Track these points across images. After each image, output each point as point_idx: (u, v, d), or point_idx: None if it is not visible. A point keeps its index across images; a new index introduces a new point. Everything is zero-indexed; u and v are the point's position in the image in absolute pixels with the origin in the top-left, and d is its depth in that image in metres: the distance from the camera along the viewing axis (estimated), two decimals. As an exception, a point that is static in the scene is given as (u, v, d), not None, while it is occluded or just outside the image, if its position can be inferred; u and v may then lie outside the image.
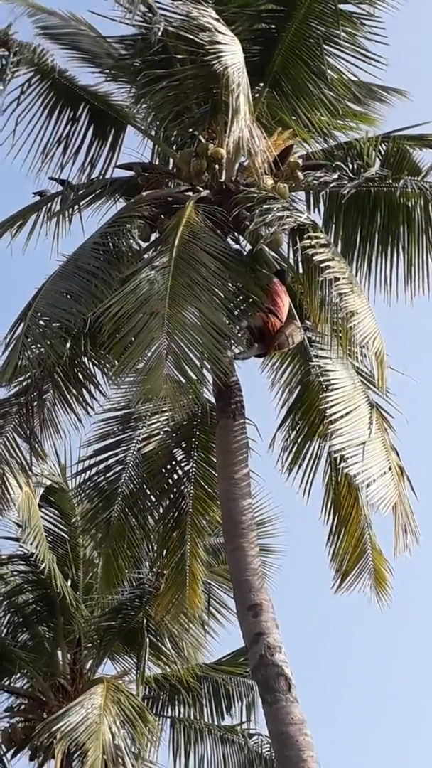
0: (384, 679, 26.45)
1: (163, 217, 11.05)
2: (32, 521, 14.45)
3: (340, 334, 10.72)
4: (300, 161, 11.25)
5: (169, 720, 15.13)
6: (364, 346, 10.67)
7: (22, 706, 15.04)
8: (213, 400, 11.12)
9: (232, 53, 10.20)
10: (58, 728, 13.35)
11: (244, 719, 15.06)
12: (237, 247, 11.03)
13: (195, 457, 12.04)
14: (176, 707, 15.23)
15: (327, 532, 11.59)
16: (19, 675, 15.17)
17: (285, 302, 10.78)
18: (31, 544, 14.52)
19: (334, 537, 11.62)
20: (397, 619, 26.37)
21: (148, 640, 14.57)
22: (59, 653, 15.16)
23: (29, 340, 10.26)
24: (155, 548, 12.46)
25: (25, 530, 14.56)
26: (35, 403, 11.10)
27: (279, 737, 9.49)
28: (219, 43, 10.16)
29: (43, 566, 14.49)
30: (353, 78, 11.47)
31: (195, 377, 9.52)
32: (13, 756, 14.83)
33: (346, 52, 11.29)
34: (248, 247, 10.99)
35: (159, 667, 15.03)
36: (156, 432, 12.00)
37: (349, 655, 26.51)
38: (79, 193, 11.57)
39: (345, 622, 26.88)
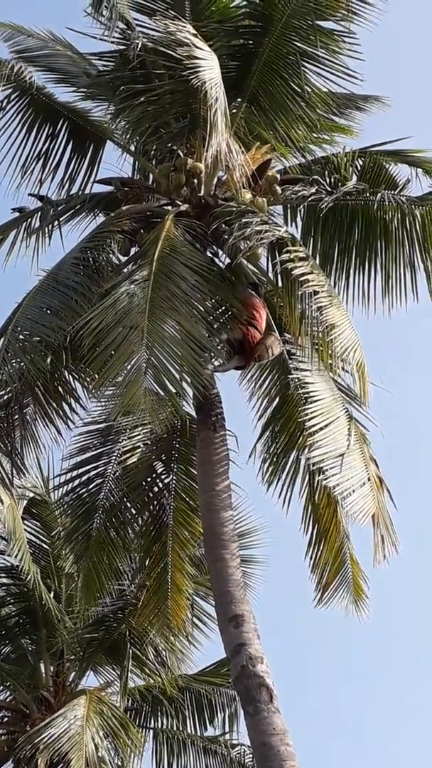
0: (367, 688, 26.51)
1: (142, 231, 11.11)
2: (16, 534, 14.46)
3: (320, 347, 10.78)
4: (278, 176, 11.34)
5: (152, 731, 15.15)
6: (344, 359, 10.73)
7: (5, 719, 15.04)
8: (193, 412, 11.17)
9: (209, 68, 10.26)
10: (41, 740, 13.36)
11: (226, 730, 15.09)
12: (216, 260, 11.09)
13: (175, 470, 12.09)
14: (159, 718, 15.24)
15: (306, 544, 11.66)
16: (1, 688, 15.17)
17: (263, 314, 10.85)
18: (15, 556, 14.52)
19: (314, 548, 11.68)
20: (378, 630, 26.44)
21: (130, 651, 14.59)
22: (42, 665, 15.16)
23: (9, 354, 10.30)
24: (137, 560, 12.49)
25: (9, 543, 14.56)
26: (16, 417, 11.12)
27: (261, 747, 9.51)
28: (196, 58, 10.23)
29: (27, 578, 14.50)
30: (331, 90, 11.55)
31: (174, 390, 9.56)
32: (-3, 768, 14.83)
33: (323, 68, 11.36)
34: (227, 260, 11.05)
35: (142, 678, 15.05)
36: (136, 445, 12.04)
37: (332, 664, 26.57)
38: (59, 208, 11.62)
39: (328, 631, 26.96)
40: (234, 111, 11.19)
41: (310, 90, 11.39)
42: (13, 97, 11.60)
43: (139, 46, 10.61)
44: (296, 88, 11.35)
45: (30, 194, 11.72)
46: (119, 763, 14.19)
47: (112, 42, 11.05)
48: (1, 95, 11.54)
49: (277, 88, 11.39)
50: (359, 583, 11.71)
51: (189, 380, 9.85)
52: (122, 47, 10.96)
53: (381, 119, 12.15)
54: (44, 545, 15.60)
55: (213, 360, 10.63)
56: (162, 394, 9.42)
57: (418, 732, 25.32)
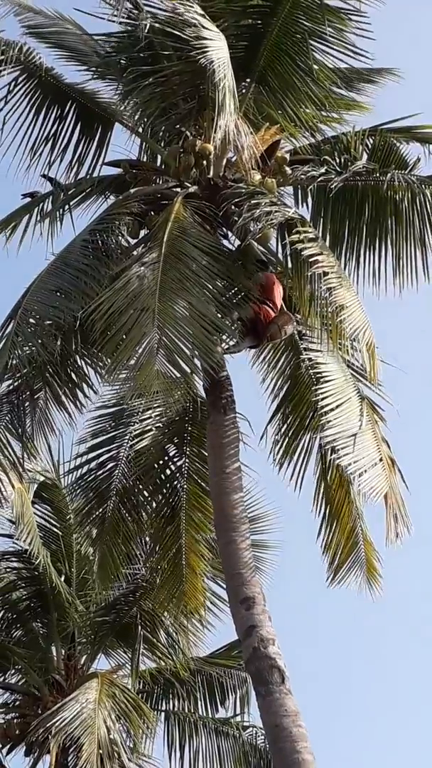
0: (380, 670, 26.57)
1: (151, 213, 11.08)
2: (25, 518, 14.47)
3: (330, 328, 10.75)
4: (287, 156, 11.30)
5: (163, 714, 15.18)
6: (354, 339, 10.71)
7: (17, 702, 15.08)
8: (204, 395, 11.15)
9: (217, 48, 10.22)
10: (53, 723, 13.39)
11: (238, 712, 15.12)
12: (226, 242, 11.06)
13: (188, 453, 12.08)
14: (170, 701, 15.27)
15: (319, 525, 11.67)
16: (13, 671, 15.20)
17: (278, 293, 10.82)
18: (24, 540, 14.54)
19: (326, 529, 11.69)
20: (393, 612, 26.48)
21: (141, 634, 14.61)
22: (53, 649, 15.19)
23: (20, 338, 10.28)
24: (149, 543, 12.51)
25: (18, 527, 14.58)
26: (27, 401, 11.11)
27: (273, 729, 9.53)
28: (204, 38, 10.19)
29: (37, 562, 14.52)
30: (341, 66, 11.50)
31: (188, 369, 9.55)
32: (9, 752, 14.87)
33: (332, 46, 11.30)
34: (237, 242, 11.02)
35: (153, 661, 15.08)
36: (148, 428, 12.04)
37: (344, 646, 26.61)
38: (69, 192, 11.59)
39: (340, 614, 27.00)
40: (242, 91, 11.15)
41: (318, 68, 11.33)
42: (21, 79, 11.56)
43: (147, 26, 10.57)
44: (305, 67, 11.30)
45: (42, 175, 11.69)
46: (131, 746, 14.22)
47: (120, 23, 11.02)
48: (10, 78, 11.53)
49: (285, 68, 11.34)
50: (372, 562, 11.71)
51: (200, 361, 9.83)
52: (130, 28, 10.92)
53: (391, 98, 12.10)
54: (55, 529, 15.61)
55: (226, 340, 10.60)
56: (175, 374, 9.40)
57: (429, 715, 25.39)
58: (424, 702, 25.40)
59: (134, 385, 9.70)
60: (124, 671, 14.89)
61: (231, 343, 10.74)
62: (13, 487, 13.48)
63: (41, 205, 11.66)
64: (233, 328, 10.56)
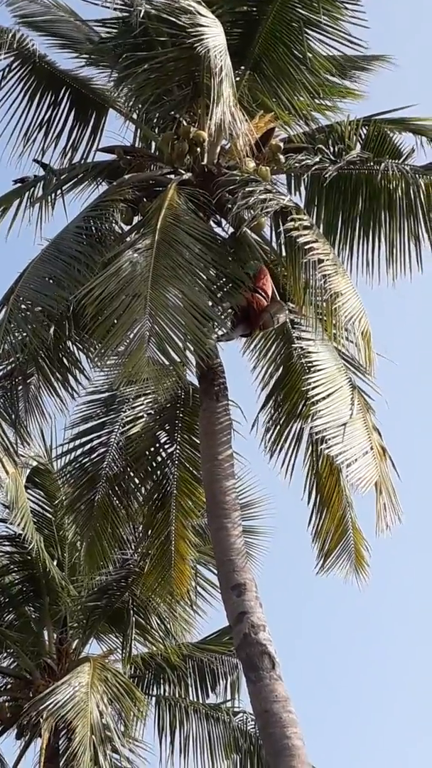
0: (369, 656, 26.69)
1: (145, 200, 11.07)
2: (19, 502, 14.50)
3: (324, 317, 10.75)
4: (281, 144, 11.28)
5: (154, 699, 15.24)
6: (348, 329, 10.72)
7: (9, 686, 15.13)
8: (196, 382, 11.17)
9: (214, 35, 10.20)
10: (46, 706, 13.44)
11: (228, 697, 15.18)
12: (219, 230, 11.07)
13: (179, 439, 12.10)
14: (162, 686, 15.32)
15: (309, 513, 11.70)
16: (5, 655, 15.25)
17: (270, 282, 10.83)
18: (18, 525, 14.57)
19: (316, 517, 11.72)
20: (381, 598, 26.59)
21: (133, 619, 14.66)
22: (45, 633, 15.23)
23: (12, 325, 10.29)
24: (140, 529, 12.54)
25: (11, 511, 14.61)
26: (20, 387, 11.12)
27: (263, 715, 9.58)
28: (201, 25, 10.17)
29: (30, 547, 14.55)
30: (334, 55, 11.48)
31: (178, 359, 9.56)
32: (0, 735, 14.93)
33: (327, 35, 11.29)
34: (230, 230, 11.02)
35: (145, 646, 15.13)
36: (140, 414, 12.05)
37: (333, 633, 26.72)
38: (62, 177, 11.58)
39: (330, 600, 27.10)
40: (237, 79, 11.10)
41: (312, 56, 11.32)
42: (15, 65, 11.55)
43: (142, 12, 10.53)
44: (299, 55, 11.28)
45: (34, 160, 11.68)
46: (123, 730, 14.27)
47: (114, 9, 11.01)
48: (3, 63, 11.53)
49: (280, 56, 11.32)
50: (361, 551, 11.75)
51: (192, 349, 9.84)
52: (125, 14, 10.89)
53: (387, 85, 12.10)
54: (47, 514, 15.64)
55: (217, 329, 10.61)
56: (165, 362, 9.41)
57: (414, 701, 25.53)
58: (414, 688, 25.55)
59: (124, 371, 9.69)
60: (115, 656, 14.95)
61: (222, 331, 10.73)
62: (6, 472, 13.51)
63: (33, 189, 11.65)
64: (225, 316, 10.57)
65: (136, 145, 11.72)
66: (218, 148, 11.03)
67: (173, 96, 11.09)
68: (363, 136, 11.38)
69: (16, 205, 11.63)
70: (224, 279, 10.65)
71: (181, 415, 12.03)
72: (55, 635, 15.21)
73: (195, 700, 15.22)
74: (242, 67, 11.32)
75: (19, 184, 11.67)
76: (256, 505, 14.10)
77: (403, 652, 25.80)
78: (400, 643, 26.24)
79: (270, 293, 10.75)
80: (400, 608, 26.57)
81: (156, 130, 11.52)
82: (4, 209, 11.62)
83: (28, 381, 11.17)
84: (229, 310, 10.65)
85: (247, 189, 10.38)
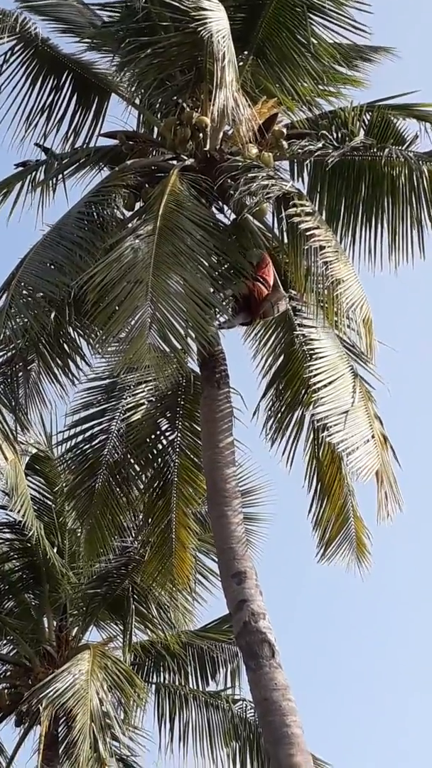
0: (371, 643, 26.72)
1: (147, 185, 11.02)
2: (19, 489, 14.47)
3: (326, 304, 10.71)
4: (284, 130, 11.23)
5: (154, 686, 15.23)
6: (349, 317, 10.67)
7: (8, 673, 15.12)
8: (197, 369, 11.13)
9: (217, 20, 10.15)
10: (45, 694, 13.44)
11: (228, 685, 15.17)
12: (221, 216, 11.02)
13: (180, 427, 12.07)
14: (161, 674, 15.31)
15: (310, 501, 11.67)
16: (5, 642, 15.24)
17: (272, 270, 10.78)
18: (18, 512, 14.55)
19: (317, 505, 11.69)
20: (382, 586, 26.59)
21: (133, 607, 14.64)
22: (45, 620, 15.21)
23: (13, 310, 10.24)
24: (140, 517, 12.51)
25: (11, 498, 14.58)
26: (20, 373, 11.08)
27: (263, 703, 9.57)
28: (204, 9, 10.11)
29: (30, 534, 14.53)
30: (338, 42, 11.41)
31: (179, 346, 9.52)
32: (-1, 722, 14.93)
33: (330, 20, 11.23)
34: (232, 216, 10.97)
35: (145, 634, 15.12)
36: (141, 402, 12.01)
37: (333, 622, 26.74)
38: (63, 162, 11.52)
39: (330, 589, 27.11)
40: (240, 64, 11.05)
41: (316, 42, 11.26)
42: (17, 48, 11.49)
43: (145, -3, 10.47)
44: (303, 40, 11.23)
45: (35, 144, 11.63)
46: (122, 717, 14.27)
47: (117, -8, 10.94)
48: (6, 47, 11.45)
49: (283, 41, 11.27)
50: (362, 539, 11.73)
51: (194, 336, 9.81)
52: (128, -2, 10.84)
53: (389, 73, 12.04)
54: (48, 501, 15.61)
55: (218, 316, 10.57)
56: (166, 349, 9.38)
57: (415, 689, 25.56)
58: (413, 677, 25.58)
59: (125, 358, 9.65)
60: (115, 644, 14.93)
61: (223, 318, 10.69)
62: (6, 458, 13.49)
63: (34, 173, 11.60)
64: (226, 304, 10.52)
65: (139, 130, 11.66)
66: (221, 134, 10.98)
67: (176, 81, 11.04)
68: (366, 122, 11.32)
69: (18, 190, 11.57)
70: (226, 265, 10.61)
71: (182, 402, 11.99)
72: (54, 622, 15.20)
73: (195, 687, 15.21)
74: (245, 53, 11.27)
75: (20, 168, 11.60)
76: (256, 492, 14.07)
77: (407, 640, 25.86)
78: (404, 630, 26.29)
79: (271, 282, 10.70)
80: (404, 594, 26.59)
81: (158, 116, 11.46)
82: (5, 193, 11.56)
83: (29, 367, 11.13)
84: (230, 298, 10.60)
85: (249, 175, 10.33)
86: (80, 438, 12.12)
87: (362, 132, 11.23)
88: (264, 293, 10.65)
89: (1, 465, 13.73)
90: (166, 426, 12.12)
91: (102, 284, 9.61)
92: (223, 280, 10.53)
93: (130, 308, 9.45)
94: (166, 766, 14.82)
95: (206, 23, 10.03)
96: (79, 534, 14.97)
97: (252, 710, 14.63)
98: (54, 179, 11.48)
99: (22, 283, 10.40)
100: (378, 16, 11.41)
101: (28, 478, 15.34)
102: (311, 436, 11.62)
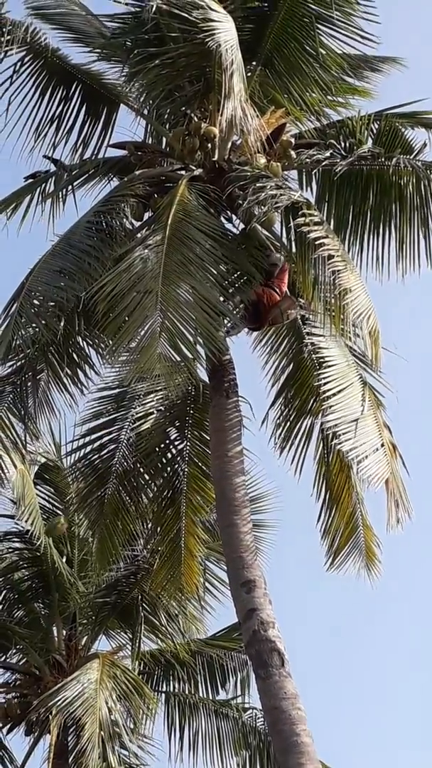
0: (381, 651, 26.68)
1: (156, 195, 11.06)
2: (27, 499, 14.50)
3: (334, 313, 10.74)
4: (292, 140, 11.26)
5: (164, 695, 15.24)
6: (357, 325, 10.70)
7: (18, 682, 15.13)
8: (206, 378, 11.15)
9: (225, 30, 10.19)
10: (55, 703, 13.45)
11: (238, 693, 15.17)
12: (230, 225, 11.05)
13: (189, 436, 12.09)
14: (171, 682, 15.32)
15: (318, 509, 11.68)
16: (14, 651, 15.26)
17: (285, 278, 10.81)
18: (26, 521, 14.58)
19: (325, 514, 11.70)
20: (391, 593, 26.58)
21: (143, 616, 14.66)
22: (54, 629, 15.24)
23: (23, 319, 10.28)
24: (150, 526, 12.53)
25: (20, 507, 14.61)
26: (30, 382, 11.11)
27: (272, 711, 9.58)
28: (212, 20, 10.15)
29: (39, 543, 14.56)
30: (346, 52, 11.46)
31: (189, 355, 9.55)
32: (9, 731, 14.94)
33: (338, 30, 11.28)
34: (241, 226, 11.00)
35: (154, 642, 15.13)
36: (150, 411, 12.04)
37: (343, 630, 26.71)
38: (73, 173, 11.57)
39: (340, 597, 27.09)
40: (248, 74, 11.10)
41: (324, 53, 11.30)
42: (26, 59, 11.52)
43: (154, 7, 10.50)
44: (311, 50, 11.27)
45: (44, 156, 11.67)
46: (131, 726, 14.28)
47: (126, 4, 11.00)
48: (15, 58, 11.49)
49: (291, 51, 11.31)
50: (372, 547, 11.74)
51: (203, 345, 9.84)
52: (137, 9, 10.88)
53: (397, 82, 12.08)
54: (57, 510, 15.64)
55: (226, 323, 10.59)
56: (176, 358, 9.41)
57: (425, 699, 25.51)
58: (423, 685, 25.53)
59: (136, 367, 9.69)
60: (124, 652, 14.95)
61: (229, 325, 10.71)
62: (15, 467, 13.53)
63: (44, 185, 11.64)
64: (235, 311, 10.56)
65: (147, 140, 11.70)
66: (229, 144, 11.02)
67: (184, 92, 11.08)
68: (374, 131, 11.35)
69: (27, 202, 11.61)
70: (235, 275, 10.64)
71: (191, 411, 12.02)
72: (64, 632, 15.22)
73: (204, 696, 15.22)
74: (254, 63, 11.31)
75: (30, 180, 11.65)
76: (263, 499, 14.08)
77: (415, 650, 25.82)
78: (411, 639, 26.26)
79: (284, 289, 10.73)
80: (410, 603, 26.57)
81: (167, 126, 11.49)
82: (16, 206, 11.60)
83: (38, 376, 11.16)
84: (240, 305, 10.62)
85: (257, 185, 10.37)
86: (90, 448, 12.14)
87: (370, 141, 11.27)
88: (275, 299, 10.68)
89: (10, 474, 13.76)
90: (176, 435, 12.15)
91: (112, 294, 9.65)
92: (232, 288, 10.56)
93: (140, 318, 9.50)
94: (176, 775, 14.84)
95: (214, 34, 10.07)
96: (87, 543, 15.01)
97: (262, 719, 14.64)
98: (64, 190, 11.52)
99: (32, 293, 10.45)
100: (386, 25, 11.47)
101: (37, 487, 15.38)
102: (320, 444, 11.65)
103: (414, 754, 24.08)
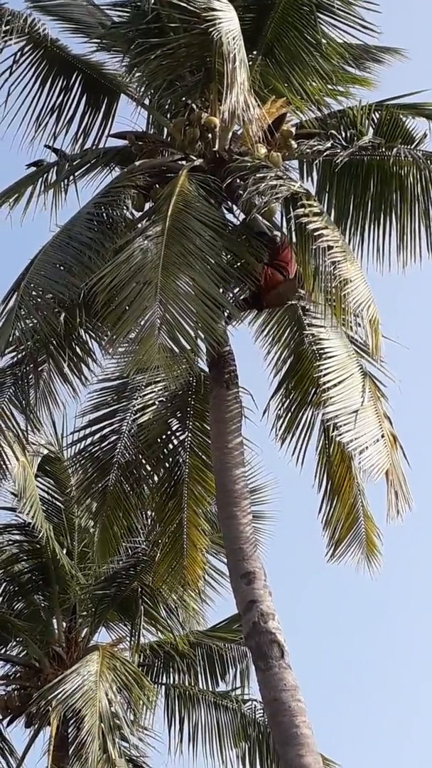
0: (380, 643, 26.70)
1: (157, 186, 11.03)
2: (28, 491, 14.50)
3: (334, 303, 10.71)
4: (293, 130, 11.22)
5: (163, 687, 15.25)
6: (357, 315, 10.67)
7: (18, 674, 15.15)
8: (207, 369, 11.13)
9: (228, 20, 10.16)
10: (55, 695, 13.46)
11: (237, 685, 15.18)
12: (230, 216, 11.02)
13: (190, 427, 12.06)
14: (171, 674, 15.34)
15: (320, 500, 11.67)
16: (14, 643, 15.27)
17: (293, 263, 10.76)
18: (27, 513, 14.58)
19: (327, 505, 11.68)
20: (391, 585, 26.59)
21: (142, 608, 14.66)
22: (55, 621, 15.25)
23: (23, 312, 10.26)
24: (151, 517, 12.52)
25: (21, 500, 14.61)
26: (31, 374, 11.09)
27: (272, 703, 9.58)
28: (214, 9, 10.12)
29: (40, 535, 14.57)
30: (347, 42, 11.42)
31: (188, 346, 9.53)
32: (9, 723, 14.96)
33: (339, 19, 11.24)
34: (242, 216, 10.97)
35: (154, 635, 15.13)
36: (151, 402, 12.01)
37: (343, 622, 26.73)
38: (74, 163, 11.54)
39: (340, 588, 27.09)
40: (249, 64, 11.04)
41: (325, 42, 11.27)
42: (26, 49, 11.47)
43: (155, -3, 10.48)
44: (311, 40, 11.23)
45: (46, 146, 11.63)
46: (131, 718, 14.29)
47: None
48: (15, 48, 11.44)
49: (292, 41, 11.26)
50: (372, 538, 11.72)
51: (203, 336, 9.81)
52: (137, -1, 10.86)
53: (398, 72, 12.04)
54: (57, 502, 15.64)
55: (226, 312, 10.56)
56: (176, 350, 9.39)
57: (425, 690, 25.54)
58: (421, 677, 25.56)
59: (135, 359, 9.67)
60: (124, 645, 14.95)
61: (227, 313, 10.66)
62: (17, 459, 13.51)
63: (45, 176, 11.62)
64: (235, 295, 10.51)
65: (148, 131, 11.67)
66: (230, 134, 10.98)
67: (185, 82, 11.04)
68: (375, 122, 11.30)
69: (29, 192, 11.58)
70: (235, 266, 10.60)
71: (192, 402, 11.99)
72: (64, 624, 15.23)
73: (204, 688, 15.23)
74: (254, 53, 11.25)
75: (33, 169, 11.62)
76: (263, 490, 14.07)
77: (417, 639, 25.85)
78: (412, 629, 26.28)
79: (292, 271, 10.66)
80: (409, 595, 26.58)
81: (168, 116, 11.45)
82: (17, 197, 11.57)
83: (40, 368, 11.14)
84: (240, 284, 10.57)
85: (258, 175, 10.35)
86: (91, 439, 12.12)
87: (371, 131, 11.24)
88: (277, 280, 10.61)
89: (11, 467, 13.74)
90: (177, 426, 12.12)
91: (111, 285, 9.63)
92: (232, 280, 10.53)
93: (139, 309, 9.47)
94: (176, 766, 14.86)
95: (216, 24, 10.03)
96: (88, 535, 15.01)
97: (261, 710, 14.64)
98: (65, 181, 11.49)
99: (32, 285, 10.42)
100: (387, 15, 11.44)
101: (38, 479, 15.38)
102: (321, 435, 11.63)
103: (417, 745, 24.14)
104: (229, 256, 10.47)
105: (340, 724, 24.03)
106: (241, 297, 10.65)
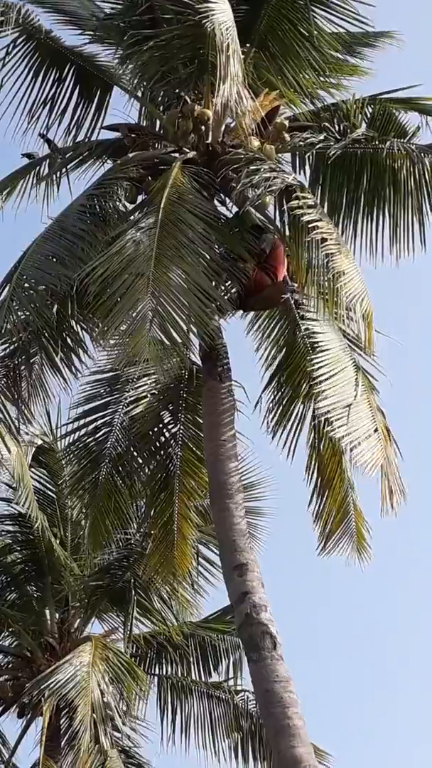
0: (374, 635, 26.76)
1: (149, 178, 11.01)
2: (24, 481, 14.51)
3: (327, 297, 10.70)
4: (286, 122, 11.20)
5: (156, 678, 15.28)
6: (350, 308, 10.67)
7: (10, 665, 15.17)
8: (200, 362, 11.13)
9: (221, 11, 10.12)
10: (47, 685, 13.48)
11: (230, 676, 15.21)
12: (223, 208, 11.02)
13: (182, 419, 12.07)
14: (164, 665, 15.36)
15: (310, 494, 11.67)
16: (7, 633, 15.29)
17: (282, 265, 10.73)
18: (22, 504, 14.59)
19: (317, 499, 11.69)
20: (385, 578, 26.65)
21: (135, 599, 14.68)
22: (47, 612, 15.27)
23: (15, 303, 10.25)
24: (143, 509, 12.53)
25: (17, 490, 14.62)
26: (23, 366, 11.08)
27: (264, 695, 9.60)
28: (208, 1, 10.08)
29: (36, 525, 14.58)
30: (341, 30, 11.40)
31: (180, 339, 9.52)
32: (1, 714, 14.98)
33: (332, 12, 11.21)
34: (235, 208, 10.96)
35: (146, 625, 15.15)
36: (143, 394, 12.02)
37: (336, 614, 26.78)
38: (67, 155, 11.52)
39: (332, 581, 27.15)
40: (243, 56, 11.02)
41: (318, 34, 11.23)
42: (19, 41, 11.44)
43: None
44: (305, 32, 11.19)
45: (39, 134, 11.59)
46: (124, 709, 14.32)
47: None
48: (8, 39, 11.42)
49: (286, 33, 11.24)
50: (362, 532, 11.74)
51: (195, 330, 9.80)
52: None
53: (391, 66, 12.02)
54: (51, 493, 15.65)
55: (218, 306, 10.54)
56: (167, 342, 9.38)
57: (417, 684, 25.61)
58: (419, 669, 25.62)
59: (126, 351, 9.66)
60: (117, 635, 14.97)
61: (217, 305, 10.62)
62: (8, 452, 13.52)
63: (38, 168, 11.60)
64: (225, 293, 10.51)
65: (141, 123, 11.64)
66: (223, 127, 10.97)
67: (178, 74, 11.02)
68: (368, 115, 11.30)
69: (22, 184, 11.56)
70: (227, 259, 10.58)
71: (184, 395, 11.99)
72: (57, 614, 15.25)
73: (197, 679, 15.26)
74: (247, 45, 11.19)
75: (27, 159, 11.60)
76: (258, 486, 14.07)
77: (409, 632, 25.90)
78: (405, 623, 26.33)
79: (280, 276, 10.63)
80: (404, 587, 26.63)
81: (161, 108, 11.44)
82: (9, 190, 11.55)
83: (32, 360, 11.13)
84: (230, 286, 10.56)
85: (251, 167, 10.33)
86: (84, 431, 12.13)
87: (364, 124, 11.22)
88: (263, 284, 10.59)
89: (6, 457, 13.76)
90: (169, 419, 12.12)
91: (103, 277, 9.62)
92: (225, 273, 10.52)
93: (131, 301, 9.46)
94: (168, 757, 14.90)
95: (210, 15, 10.00)
96: (81, 526, 15.02)
97: (254, 701, 14.68)
98: (58, 173, 11.47)
99: (24, 276, 10.41)
100: (380, 8, 11.42)
101: (33, 470, 15.39)
102: (312, 429, 11.63)
103: (412, 737, 24.22)
104: (221, 249, 10.45)
105: (332, 714, 24.11)
106: (228, 295, 10.61)
